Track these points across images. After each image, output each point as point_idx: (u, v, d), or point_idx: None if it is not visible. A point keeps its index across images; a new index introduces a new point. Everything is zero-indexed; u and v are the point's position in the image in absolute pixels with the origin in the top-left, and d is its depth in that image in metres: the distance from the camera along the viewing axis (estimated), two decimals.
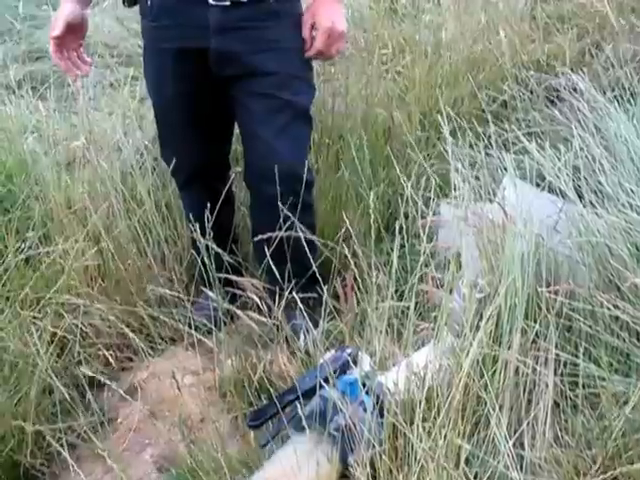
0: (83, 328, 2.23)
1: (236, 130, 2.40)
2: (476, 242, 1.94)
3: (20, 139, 3.04)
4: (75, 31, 2.24)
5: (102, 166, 2.64)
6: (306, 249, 2.02)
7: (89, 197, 2.54)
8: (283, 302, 2.00)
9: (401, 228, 1.82)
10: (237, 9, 2.08)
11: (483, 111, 2.94)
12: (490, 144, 2.36)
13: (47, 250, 2.37)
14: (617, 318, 1.73)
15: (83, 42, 2.30)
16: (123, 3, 2.27)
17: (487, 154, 2.32)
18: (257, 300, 1.98)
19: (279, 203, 2.12)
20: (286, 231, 2.05)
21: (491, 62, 3.41)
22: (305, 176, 2.18)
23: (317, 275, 2.07)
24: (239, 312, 1.98)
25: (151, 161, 2.82)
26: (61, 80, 3.87)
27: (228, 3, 2.08)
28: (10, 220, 2.53)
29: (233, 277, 2.07)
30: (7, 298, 2.26)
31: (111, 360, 2.17)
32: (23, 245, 2.41)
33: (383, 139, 2.95)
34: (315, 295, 2.04)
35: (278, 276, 2.01)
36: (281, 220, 2.10)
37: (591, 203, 2.04)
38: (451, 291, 1.78)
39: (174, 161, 2.32)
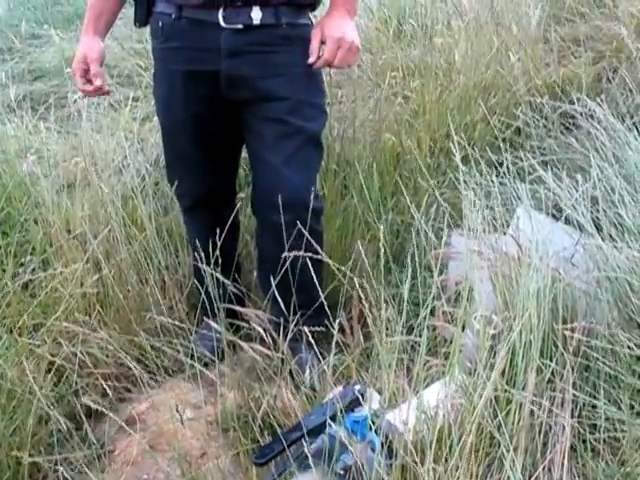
0: (81, 357, 2.20)
1: (243, 155, 2.39)
2: (489, 276, 1.92)
3: (20, 160, 3.03)
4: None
5: (103, 189, 2.63)
6: (314, 280, 2.00)
7: (89, 221, 2.53)
8: (288, 334, 1.98)
9: (411, 259, 1.80)
10: (249, 33, 2.09)
11: (496, 138, 2.93)
12: (503, 173, 2.34)
13: (46, 276, 2.35)
14: (639, 358, 1.70)
15: None
16: (134, 24, 2.27)
17: (500, 183, 2.30)
18: (261, 332, 1.95)
19: (285, 231, 2.10)
20: (293, 261, 2.03)
21: (504, 87, 3.40)
22: (314, 204, 2.16)
23: (324, 307, 2.05)
24: (243, 344, 1.96)
25: (152, 185, 2.82)
26: (61, 100, 3.88)
27: (240, 26, 2.08)
28: (8, 244, 2.51)
29: (237, 307, 2.05)
30: (4, 324, 2.24)
31: (109, 390, 2.14)
32: (21, 270, 2.39)
33: (392, 166, 2.94)
34: (322, 328, 2.02)
35: (283, 307, 1.99)
36: (287, 249, 2.08)
37: (610, 236, 2.01)
38: (463, 327, 1.75)
39: (180, 185, 2.31)
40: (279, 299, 1.98)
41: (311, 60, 2.12)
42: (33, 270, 2.42)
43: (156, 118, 2.50)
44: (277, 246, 2.15)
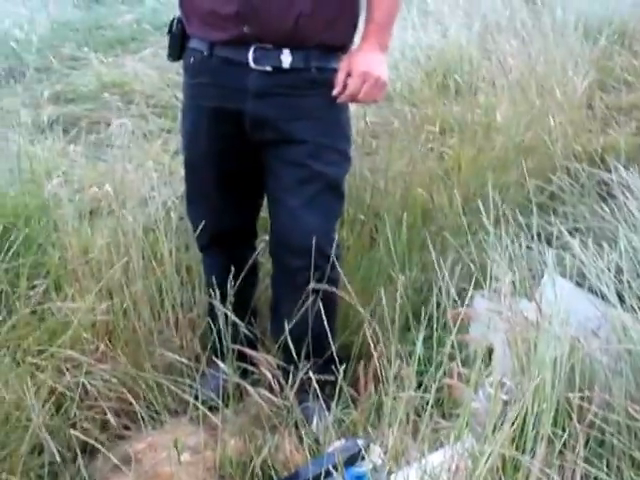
0: (84, 387, 2.22)
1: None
2: (508, 339, 1.93)
3: (45, 182, 3.09)
4: None
5: (125, 219, 2.67)
6: (326, 328, 2.02)
7: (108, 250, 2.57)
8: (297, 383, 2.00)
9: (431, 317, 1.82)
10: (278, 75, 2.14)
11: (529, 201, 2.95)
12: (533, 237, 2.36)
13: (57, 301, 2.38)
14: None
15: None
16: (167, 58, 2.34)
17: (528, 247, 2.32)
18: (270, 378, 1.97)
19: (300, 276, 2.15)
20: (306, 308, 2.06)
21: (542, 150, 3.43)
22: (330, 250, 2.19)
23: (335, 357, 2.07)
24: (250, 388, 1.98)
25: (177, 219, 2.84)
26: (93, 125, 3.97)
27: (269, 69, 2.14)
28: (22, 265, 2.55)
29: (247, 350, 2.08)
30: (8, 346, 2.25)
31: (108, 425, 2.16)
32: (32, 292, 2.43)
33: (421, 221, 2.96)
34: (331, 378, 2.03)
35: (294, 354, 2.01)
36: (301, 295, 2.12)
37: (633, 308, 2.03)
38: (476, 389, 1.77)
39: (199, 221, 2.34)
40: (290, 345, 2.00)
41: (335, 92, 2.16)
42: (44, 293, 2.45)
43: None
44: (290, 291, 2.19)
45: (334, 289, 2.18)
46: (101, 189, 2.99)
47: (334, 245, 2.21)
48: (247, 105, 2.16)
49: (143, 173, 3.17)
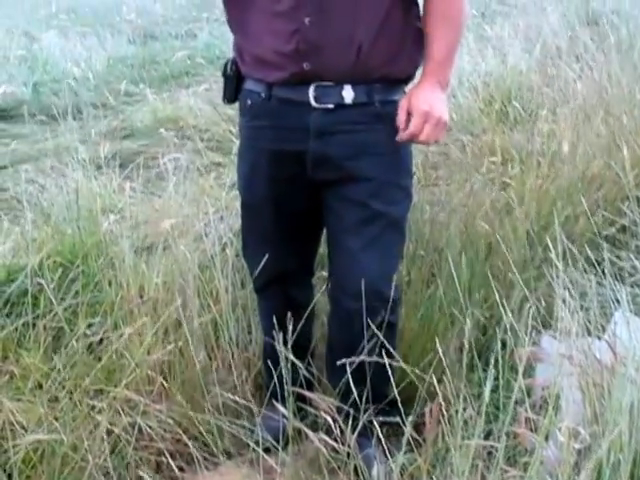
0: (139, 428, 2.21)
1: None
2: (579, 384, 1.86)
3: (101, 219, 3.11)
4: None
5: (181, 255, 2.66)
6: (384, 374, 1.97)
7: (164, 288, 2.57)
8: (357, 427, 1.95)
9: (497, 359, 1.77)
10: (340, 112, 2.10)
11: (598, 234, 2.88)
12: (603, 272, 2.29)
13: (113, 340, 2.38)
14: None
15: None
16: (223, 100, 2.31)
17: (599, 283, 2.25)
18: (330, 421, 1.93)
19: (358, 320, 2.10)
20: (363, 351, 2.02)
21: (610, 180, 3.35)
22: (391, 294, 2.13)
23: (396, 402, 2.02)
24: (309, 432, 1.94)
25: (233, 256, 2.84)
26: (149, 161, 4.01)
27: (331, 106, 2.10)
28: (79, 303, 2.55)
29: (307, 393, 2.04)
30: (64, 386, 2.26)
31: (163, 466, 2.14)
32: (89, 331, 2.43)
33: (483, 256, 2.90)
34: (392, 423, 1.98)
35: (353, 398, 1.97)
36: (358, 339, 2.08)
37: None
38: (547, 437, 1.70)
39: (256, 263, 2.31)
40: (348, 390, 1.96)
41: (400, 137, 2.11)
42: (101, 332, 2.45)
43: None
44: (347, 334, 2.17)
45: (392, 333, 2.14)
46: (156, 225, 3.00)
47: (394, 288, 2.16)
48: (309, 145, 2.12)
49: (198, 208, 3.18)
